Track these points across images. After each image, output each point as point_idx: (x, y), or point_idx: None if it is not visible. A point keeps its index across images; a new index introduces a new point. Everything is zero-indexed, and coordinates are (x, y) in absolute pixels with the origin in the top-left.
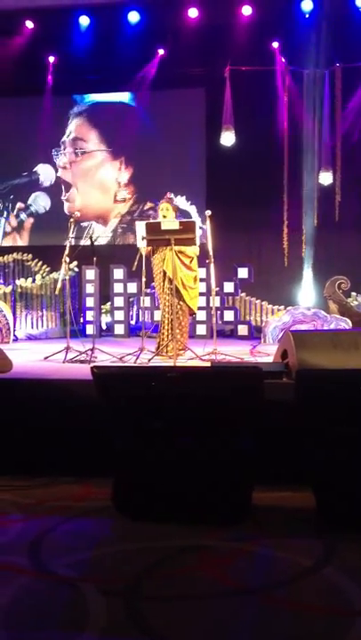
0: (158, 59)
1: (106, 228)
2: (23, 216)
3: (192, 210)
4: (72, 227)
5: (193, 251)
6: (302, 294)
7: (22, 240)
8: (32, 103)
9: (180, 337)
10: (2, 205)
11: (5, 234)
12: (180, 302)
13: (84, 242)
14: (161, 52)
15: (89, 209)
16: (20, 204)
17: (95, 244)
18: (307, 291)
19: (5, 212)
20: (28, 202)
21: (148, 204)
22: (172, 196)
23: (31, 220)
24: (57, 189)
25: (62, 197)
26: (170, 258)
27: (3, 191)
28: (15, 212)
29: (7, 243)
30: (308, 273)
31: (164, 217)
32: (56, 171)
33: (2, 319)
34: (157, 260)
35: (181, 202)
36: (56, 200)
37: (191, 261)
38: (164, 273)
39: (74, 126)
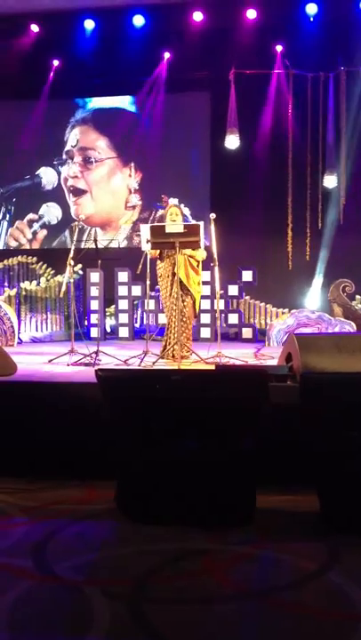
0: (163, 62)
1: (117, 235)
2: (36, 226)
3: (186, 211)
4: (75, 230)
5: (201, 255)
6: (307, 297)
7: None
8: (36, 106)
9: (185, 340)
10: (4, 209)
11: (20, 245)
12: (188, 306)
13: (89, 244)
14: (166, 55)
15: (100, 216)
16: (32, 215)
17: (105, 248)
18: (311, 294)
19: (8, 216)
20: (40, 212)
21: (161, 212)
22: (167, 197)
23: (45, 231)
24: (62, 195)
25: (72, 205)
26: (182, 262)
27: (5, 194)
28: (26, 221)
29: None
30: (312, 276)
31: (173, 222)
32: (59, 176)
33: (6, 322)
34: (167, 264)
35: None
36: (65, 207)
37: (198, 265)
38: (173, 276)
39: (79, 134)
